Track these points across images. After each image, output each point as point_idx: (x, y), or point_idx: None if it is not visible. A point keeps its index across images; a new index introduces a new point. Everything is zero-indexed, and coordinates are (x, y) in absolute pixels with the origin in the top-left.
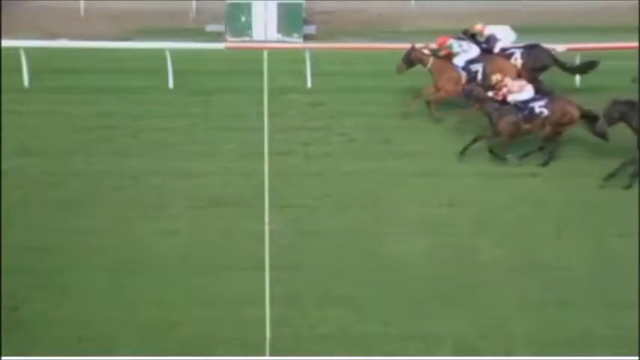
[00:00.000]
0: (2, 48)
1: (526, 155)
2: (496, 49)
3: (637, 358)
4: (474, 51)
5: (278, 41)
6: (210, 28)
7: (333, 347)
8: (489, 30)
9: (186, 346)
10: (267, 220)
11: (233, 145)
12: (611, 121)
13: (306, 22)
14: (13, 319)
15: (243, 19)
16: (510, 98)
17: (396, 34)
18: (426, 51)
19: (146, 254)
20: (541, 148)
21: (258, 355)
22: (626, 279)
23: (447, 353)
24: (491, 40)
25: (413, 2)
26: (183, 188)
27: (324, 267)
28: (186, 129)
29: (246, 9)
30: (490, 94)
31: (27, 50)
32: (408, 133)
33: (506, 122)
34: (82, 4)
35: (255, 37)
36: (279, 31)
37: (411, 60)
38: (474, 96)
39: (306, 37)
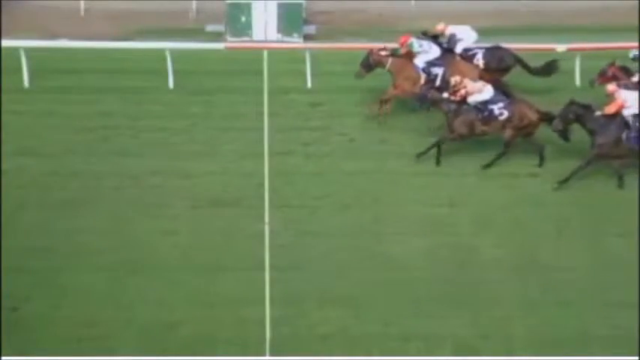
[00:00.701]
0: (2, 48)
1: (488, 165)
2: (458, 50)
3: (637, 358)
4: (434, 51)
5: (278, 41)
6: (210, 28)
7: (333, 347)
8: (450, 30)
9: (186, 346)
10: (267, 220)
11: (233, 145)
12: (566, 121)
13: (306, 22)
14: (13, 319)
15: (243, 19)
16: (471, 99)
17: (396, 34)
18: (384, 52)
19: (146, 254)
20: (503, 154)
21: (258, 355)
22: (626, 279)
23: (447, 353)
24: (452, 40)
25: (413, 2)
26: (183, 188)
27: (324, 267)
28: (186, 129)
29: (246, 9)
30: (446, 95)
31: (27, 50)
32: (408, 133)
33: (461, 121)
34: (82, 4)
35: (255, 37)
36: (279, 31)
37: (369, 64)
38: (428, 99)
39: (306, 37)
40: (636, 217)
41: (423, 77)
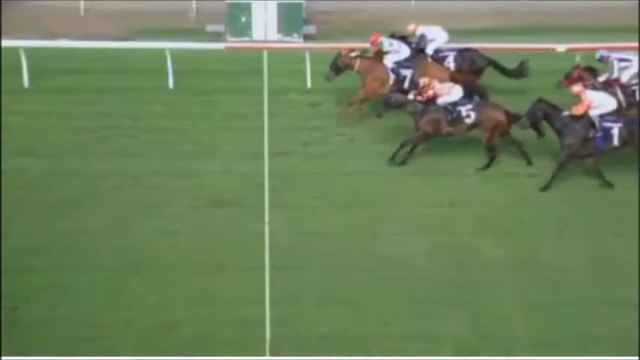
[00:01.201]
0: (2, 48)
1: (485, 167)
2: (429, 51)
3: (637, 358)
4: (404, 51)
5: (278, 41)
6: (210, 28)
7: (333, 347)
8: (421, 30)
9: (186, 346)
10: (267, 220)
11: (233, 145)
12: (534, 119)
13: (306, 22)
14: (13, 319)
15: (243, 19)
16: (440, 100)
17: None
18: (353, 54)
19: (146, 254)
20: (492, 157)
21: (258, 355)
22: (625, 279)
23: (447, 353)
24: (422, 40)
25: (413, 2)
26: (183, 188)
27: (324, 267)
28: (186, 129)
29: (246, 9)
30: (411, 96)
31: (27, 50)
32: (408, 133)
33: (427, 120)
34: (82, 4)
35: (255, 37)
36: (279, 31)
37: (338, 66)
38: (393, 103)
39: (306, 37)
40: (636, 216)
41: (391, 78)
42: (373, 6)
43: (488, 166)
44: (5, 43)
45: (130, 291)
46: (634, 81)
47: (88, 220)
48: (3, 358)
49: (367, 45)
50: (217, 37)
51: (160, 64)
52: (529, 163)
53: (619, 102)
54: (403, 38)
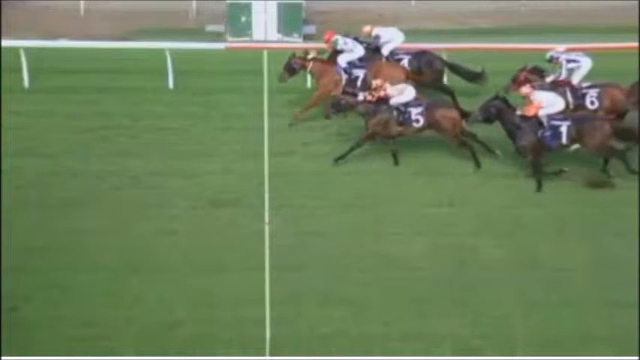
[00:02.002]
0: (2, 48)
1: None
2: (385, 52)
3: (637, 358)
4: (358, 51)
5: (278, 41)
6: (210, 28)
7: (333, 347)
8: (376, 31)
9: (186, 346)
10: (267, 220)
11: (233, 145)
12: (487, 114)
13: (306, 22)
14: (13, 319)
15: (243, 19)
16: (392, 101)
17: None
18: (310, 55)
19: (146, 254)
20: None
21: (258, 355)
22: (625, 279)
23: (447, 353)
24: (376, 41)
25: (413, 2)
26: (183, 188)
27: (324, 267)
28: (186, 129)
29: (246, 9)
30: (361, 96)
31: (27, 50)
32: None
33: (376, 122)
34: (82, 4)
35: (255, 37)
36: (279, 31)
37: (292, 67)
38: (343, 106)
39: (306, 37)
40: (636, 216)
41: (344, 78)
42: (373, 6)
43: (477, 162)
44: (5, 43)
45: (130, 291)
46: (585, 84)
47: (88, 220)
48: (3, 358)
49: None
50: (217, 37)
51: (160, 64)
52: (490, 152)
53: (567, 103)
54: (356, 39)
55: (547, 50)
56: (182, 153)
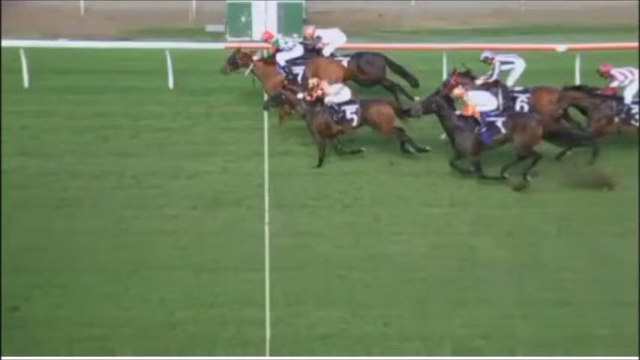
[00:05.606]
0: (2, 48)
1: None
2: (326, 53)
3: (637, 358)
4: (297, 50)
5: None
6: (210, 28)
7: (333, 347)
8: (318, 33)
9: (186, 346)
10: (267, 220)
11: (233, 145)
12: (428, 108)
13: (306, 22)
14: (13, 319)
15: (243, 19)
16: (327, 100)
17: (396, 34)
18: (255, 57)
19: (146, 254)
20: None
21: (258, 355)
22: (626, 279)
23: (447, 353)
24: (316, 41)
25: (413, 2)
26: (183, 188)
27: (324, 267)
28: (186, 129)
29: (246, 9)
30: (300, 96)
31: (27, 50)
32: (408, 133)
33: (318, 123)
34: (82, 4)
35: (255, 37)
36: (279, 31)
37: (235, 62)
38: (283, 100)
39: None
40: (636, 217)
41: (283, 76)
42: (373, 6)
43: (419, 149)
44: (5, 43)
45: (130, 291)
46: (518, 88)
47: (88, 220)
48: (3, 358)
49: (366, 45)
50: (217, 37)
51: (160, 64)
52: (420, 151)
53: (497, 104)
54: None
55: (548, 50)
56: (182, 153)
